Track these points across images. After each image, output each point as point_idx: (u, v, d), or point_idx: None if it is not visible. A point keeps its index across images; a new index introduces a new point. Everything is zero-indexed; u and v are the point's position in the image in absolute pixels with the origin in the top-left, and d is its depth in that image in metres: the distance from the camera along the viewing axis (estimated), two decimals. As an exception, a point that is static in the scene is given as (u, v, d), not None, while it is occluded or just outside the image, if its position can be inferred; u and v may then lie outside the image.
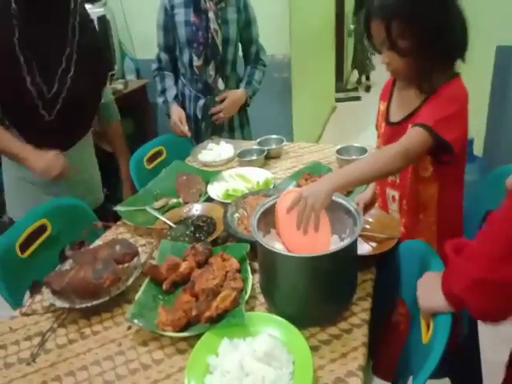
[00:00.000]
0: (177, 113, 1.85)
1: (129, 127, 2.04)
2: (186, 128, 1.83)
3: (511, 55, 2.35)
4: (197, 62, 1.83)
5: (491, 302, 0.70)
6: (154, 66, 1.94)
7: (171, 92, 1.90)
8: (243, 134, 2.05)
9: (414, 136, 0.98)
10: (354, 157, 1.57)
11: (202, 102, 1.90)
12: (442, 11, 0.98)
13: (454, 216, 1.18)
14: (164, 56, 1.90)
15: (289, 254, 0.92)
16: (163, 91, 1.91)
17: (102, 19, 2.79)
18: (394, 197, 1.20)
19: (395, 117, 1.14)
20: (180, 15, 1.80)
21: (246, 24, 1.90)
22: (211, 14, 1.78)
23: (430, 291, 0.80)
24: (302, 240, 0.93)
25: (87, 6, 2.84)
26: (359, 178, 0.98)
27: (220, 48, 1.83)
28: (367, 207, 1.27)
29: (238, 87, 1.96)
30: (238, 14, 1.86)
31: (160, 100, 1.92)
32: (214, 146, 1.82)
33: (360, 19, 4.03)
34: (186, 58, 1.85)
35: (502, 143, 1.86)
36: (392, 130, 1.13)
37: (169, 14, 1.82)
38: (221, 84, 1.91)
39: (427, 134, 0.96)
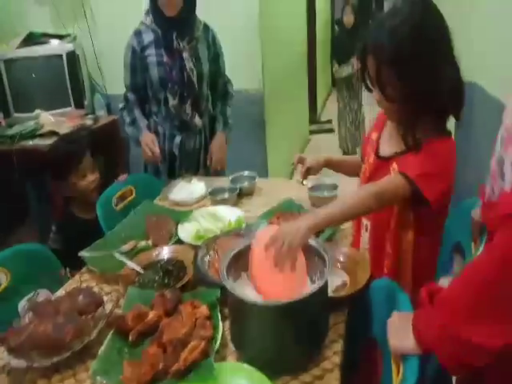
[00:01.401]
0: (149, 136, 1.85)
1: (99, 164, 2.02)
2: (157, 149, 1.82)
3: (471, 92, 2.45)
4: (172, 101, 1.85)
5: (454, 353, 0.70)
6: (121, 105, 1.94)
7: (142, 121, 1.89)
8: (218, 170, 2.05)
9: (393, 182, 1.02)
10: (325, 193, 1.58)
11: (178, 138, 1.91)
12: (429, 75, 0.99)
13: (430, 258, 1.19)
14: (131, 96, 1.90)
15: (258, 301, 0.90)
16: (133, 121, 1.90)
17: (71, 54, 2.80)
18: (366, 226, 1.21)
19: (384, 151, 1.16)
20: (151, 56, 1.81)
21: (215, 57, 1.94)
22: (185, 54, 1.81)
23: (399, 332, 0.81)
24: (277, 280, 0.92)
25: (55, 42, 2.89)
26: (337, 217, 1.01)
27: (196, 86, 1.86)
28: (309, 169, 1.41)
29: (212, 120, 2.00)
30: (208, 49, 1.90)
31: (129, 130, 1.91)
32: (185, 185, 1.79)
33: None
34: (159, 96, 1.86)
35: (467, 177, 1.93)
36: (380, 164, 1.15)
37: (138, 55, 1.82)
38: (197, 120, 1.93)
39: (408, 184, 0.99)
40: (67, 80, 2.83)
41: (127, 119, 1.90)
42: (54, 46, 2.88)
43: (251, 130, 2.96)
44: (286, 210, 1.48)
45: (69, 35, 3.00)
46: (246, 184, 1.78)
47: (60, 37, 2.97)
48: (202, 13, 2.74)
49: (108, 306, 1.09)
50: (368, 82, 1.08)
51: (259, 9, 2.79)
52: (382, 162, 1.13)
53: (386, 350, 0.87)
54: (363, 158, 1.26)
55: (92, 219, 1.63)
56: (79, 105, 2.88)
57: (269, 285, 0.93)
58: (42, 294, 1.14)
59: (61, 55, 2.79)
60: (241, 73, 2.86)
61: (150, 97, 1.90)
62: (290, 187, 1.77)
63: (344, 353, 0.94)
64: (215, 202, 1.66)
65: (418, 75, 0.98)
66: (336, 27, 5.08)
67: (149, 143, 1.82)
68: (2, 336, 0.95)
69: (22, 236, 2.91)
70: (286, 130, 3.93)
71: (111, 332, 0.99)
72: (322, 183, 1.62)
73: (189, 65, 1.82)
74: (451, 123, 2.49)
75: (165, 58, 1.81)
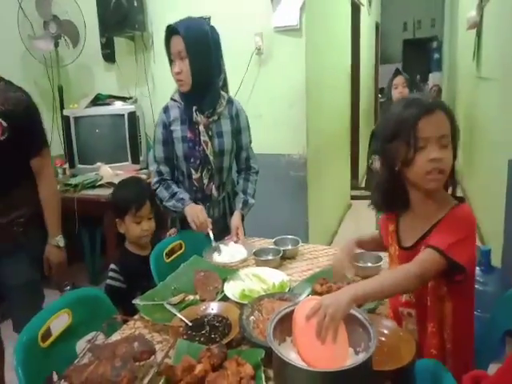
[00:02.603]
0: (195, 207, 1.82)
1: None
2: (207, 219, 1.80)
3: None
4: (195, 175, 1.89)
5: None
6: (154, 179, 1.90)
7: (183, 194, 1.87)
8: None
9: (428, 259, 1.04)
10: (369, 264, 1.61)
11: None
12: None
13: (468, 332, 1.20)
14: (164, 168, 1.90)
15: (303, 367, 0.91)
16: (172, 195, 1.86)
17: (132, 115, 3.07)
18: (410, 314, 1.23)
19: (407, 241, 1.21)
20: (177, 131, 1.86)
21: (237, 131, 1.96)
22: (201, 128, 1.84)
23: None
24: (318, 351, 0.94)
25: (119, 103, 3.17)
26: (378, 293, 1.03)
27: (211, 158, 1.87)
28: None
29: (233, 189, 2.05)
30: (231, 123, 1.93)
31: (170, 203, 1.85)
32: (224, 248, 1.81)
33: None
34: (183, 170, 1.91)
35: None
36: (406, 254, 1.18)
37: (168, 130, 1.88)
38: (214, 191, 1.94)
39: (441, 256, 1.02)
40: (127, 137, 3.09)
41: (165, 194, 1.86)
42: (118, 107, 3.19)
43: (294, 194, 3.07)
44: (330, 278, 1.51)
45: (131, 98, 3.32)
46: (289, 247, 1.85)
47: (123, 99, 3.29)
48: (252, 80, 3.00)
49: (159, 355, 1.16)
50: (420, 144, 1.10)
51: (305, 78, 2.97)
52: (409, 252, 1.17)
53: None
54: (389, 250, 1.29)
55: (147, 256, 1.72)
56: (135, 160, 3.12)
57: (311, 355, 0.95)
58: (100, 337, 1.23)
59: (123, 115, 3.08)
60: (286, 138, 3.05)
61: (176, 168, 1.95)
62: (333, 254, 1.83)
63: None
64: (259, 263, 1.74)
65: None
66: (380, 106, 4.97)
67: (199, 214, 1.78)
68: (66, 373, 1.03)
69: (73, 277, 3.07)
70: (328, 194, 4.01)
71: (161, 381, 1.05)
72: (366, 253, 1.64)
73: (203, 138, 1.85)
74: (501, 211, 2.51)
75: (188, 134, 1.86)
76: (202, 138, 1.86)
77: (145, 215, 1.72)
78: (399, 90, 3.18)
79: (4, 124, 1.64)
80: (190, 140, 1.86)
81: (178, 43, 1.72)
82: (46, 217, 1.80)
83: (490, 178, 3.33)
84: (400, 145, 1.10)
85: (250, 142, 2.04)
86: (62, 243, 1.85)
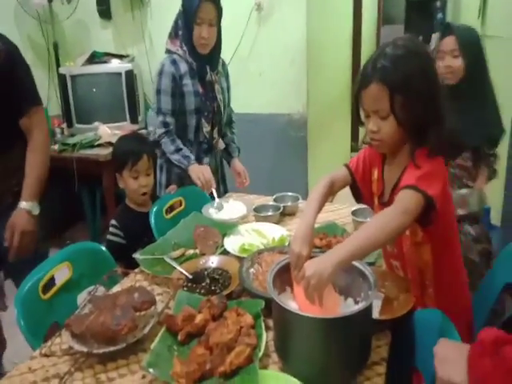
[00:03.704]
0: (200, 167, 1.89)
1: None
2: (212, 179, 1.86)
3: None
4: (206, 128, 2.03)
5: None
6: (160, 131, 1.93)
7: (188, 151, 1.93)
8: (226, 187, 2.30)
9: (403, 197, 1.00)
10: (369, 218, 1.61)
11: (206, 160, 2.06)
12: (435, 104, 1.06)
13: (452, 279, 1.21)
14: (171, 120, 1.94)
15: (304, 314, 0.93)
16: (177, 150, 1.92)
17: (129, 73, 3.00)
18: (396, 266, 1.25)
19: (385, 197, 1.20)
20: (188, 85, 1.94)
21: (228, 89, 2.15)
22: (217, 86, 2.02)
23: (450, 362, 0.77)
24: (313, 308, 0.96)
25: (116, 61, 3.10)
26: (365, 248, 0.96)
27: (222, 114, 2.08)
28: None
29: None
30: (226, 81, 2.12)
31: (175, 157, 1.91)
32: (224, 204, 1.82)
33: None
34: (191, 122, 2.00)
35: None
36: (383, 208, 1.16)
37: (178, 83, 1.92)
38: (221, 143, 2.16)
39: (413, 191, 0.99)
40: (124, 96, 3.03)
41: (171, 147, 1.92)
42: (115, 65, 3.10)
43: (294, 154, 3.05)
44: (329, 233, 1.52)
45: (128, 56, 3.23)
46: (289, 203, 1.84)
47: (120, 57, 3.20)
48: (251, 40, 2.93)
49: (159, 306, 1.17)
50: (362, 115, 1.13)
51: (307, 37, 2.89)
52: (386, 206, 1.13)
53: (429, 377, 0.87)
54: (375, 199, 1.27)
55: (147, 213, 1.72)
56: (134, 120, 3.07)
57: (305, 307, 0.97)
58: (100, 289, 1.24)
59: (120, 73, 3.01)
60: (286, 97, 2.99)
61: (181, 121, 2.00)
62: (332, 211, 1.83)
63: (386, 377, 0.95)
64: (259, 219, 1.74)
65: (425, 102, 1.04)
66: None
67: (205, 174, 1.84)
68: (67, 322, 1.04)
69: (75, 236, 3.10)
70: (328, 155, 3.98)
71: (162, 330, 1.07)
72: (367, 209, 1.63)
73: (219, 96, 2.04)
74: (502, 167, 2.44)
75: (200, 89, 1.97)
76: (217, 94, 2.03)
77: (142, 170, 1.70)
78: (447, 61, 1.76)
79: None
80: (202, 95, 1.97)
81: (211, 11, 1.86)
82: (25, 179, 1.56)
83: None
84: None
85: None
86: (35, 211, 1.57)
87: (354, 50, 5.31)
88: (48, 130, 1.71)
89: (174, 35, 1.96)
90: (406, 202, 0.99)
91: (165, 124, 1.93)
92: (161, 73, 1.93)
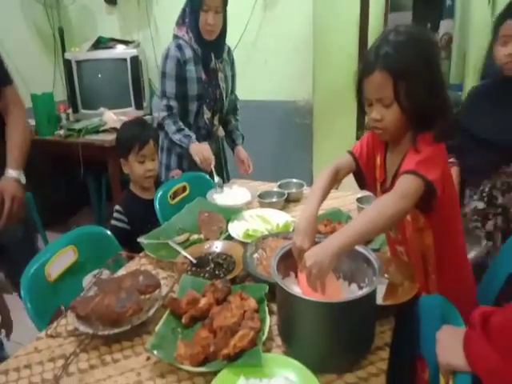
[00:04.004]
0: (200, 145, 1.93)
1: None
2: (211, 156, 1.90)
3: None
4: (207, 115, 2.05)
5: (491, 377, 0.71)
6: (163, 113, 1.97)
7: (189, 131, 1.97)
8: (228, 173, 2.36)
9: (403, 182, 1.00)
10: (372, 206, 1.60)
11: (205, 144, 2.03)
12: (437, 89, 1.05)
13: (454, 266, 1.20)
14: (174, 104, 1.97)
15: (308, 298, 0.93)
16: (179, 130, 1.96)
17: (134, 59, 2.99)
18: (401, 252, 1.24)
19: (387, 184, 1.20)
20: (192, 71, 1.96)
21: (233, 77, 2.16)
22: (220, 74, 2.02)
23: (449, 347, 0.80)
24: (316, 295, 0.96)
25: (121, 47, 3.09)
26: (364, 234, 0.96)
27: (225, 102, 2.09)
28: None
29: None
30: (231, 69, 2.13)
31: (177, 137, 1.95)
32: (228, 190, 1.83)
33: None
34: (193, 108, 2.02)
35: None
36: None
37: (182, 68, 1.95)
38: (221, 131, 2.18)
39: (413, 176, 0.98)
40: (129, 82, 3.02)
41: (173, 128, 1.96)
42: (120, 51, 3.09)
43: (299, 141, 3.04)
44: (334, 220, 1.52)
45: (133, 42, 3.21)
46: (294, 190, 1.84)
47: (125, 42, 3.19)
48: (257, 27, 2.90)
49: (163, 290, 1.18)
50: (366, 103, 1.12)
51: (313, 25, 2.87)
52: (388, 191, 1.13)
53: (434, 369, 0.87)
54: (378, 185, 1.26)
55: (151, 200, 1.73)
56: (139, 106, 3.06)
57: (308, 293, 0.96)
58: (105, 273, 1.25)
59: (125, 59, 2.99)
60: (292, 84, 2.97)
61: (184, 106, 2.02)
62: (337, 198, 1.82)
63: (390, 361, 0.96)
64: (263, 205, 1.74)
65: (429, 88, 1.03)
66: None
67: (204, 153, 1.88)
68: (73, 304, 1.05)
69: (80, 222, 3.11)
70: (333, 143, 3.96)
71: (167, 313, 1.08)
72: (370, 195, 1.64)
73: (222, 84, 2.05)
74: None
75: (203, 76, 1.98)
76: (220, 82, 2.04)
77: (148, 154, 1.71)
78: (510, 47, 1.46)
79: None
80: (205, 82, 1.99)
81: None
82: (9, 151, 1.55)
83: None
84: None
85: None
86: (22, 179, 1.57)
87: (361, 38, 5.24)
88: (24, 106, 1.68)
89: (181, 22, 1.98)
90: (406, 186, 0.99)
91: (168, 107, 1.97)
92: (166, 57, 1.95)
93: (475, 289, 1.27)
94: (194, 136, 1.95)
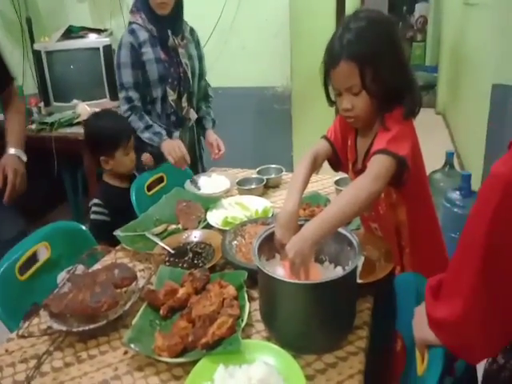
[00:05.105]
0: (172, 143, 1.81)
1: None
2: (186, 154, 1.80)
3: (506, 93, 2.43)
4: (172, 96, 1.91)
5: (452, 340, 0.74)
6: (125, 107, 1.86)
7: (158, 127, 1.86)
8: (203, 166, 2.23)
9: (375, 162, 1.01)
10: (351, 188, 1.60)
11: (177, 133, 1.96)
12: (402, 70, 1.07)
13: (427, 239, 1.22)
14: (134, 94, 1.85)
15: (289, 280, 0.92)
16: (147, 127, 1.84)
17: (107, 48, 2.90)
18: (376, 228, 1.26)
19: (358, 164, 1.21)
20: (148, 53, 1.84)
21: (200, 59, 2.04)
22: (181, 50, 1.90)
23: (422, 322, 0.81)
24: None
25: (93, 36, 3.00)
26: (341, 219, 0.97)
27: (191, 81, 1.95)
28: None
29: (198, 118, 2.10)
30: (196, 49, 2.01)
31: (146, 135, 1.83)
32: (207, 179, 1.79)
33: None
34: (157, 93, 1.90)
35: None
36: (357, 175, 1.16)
37: (137, 52, 1.83)
38: (192, 113, 2.02)
39: (385, 156, 1.00)
40: (103, 72, 2.92)
41: (140, 124, 1.84)
42: (92, 40, 2.99)
43: (278, 128, 3.01)
44: (313, 203, 1.51)
45: (106, 30, 3.11)
46: (272, 176, 1.82)
47: (98, 31, 3.09)
48: (233, 13, 2.84)
49: (141, 282, 1.15)
50: (333, 93, 1.13)
51: (289, 9, 2.82)
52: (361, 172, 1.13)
53: (411, 344, 0.88)
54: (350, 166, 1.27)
55: (127, 188, 1.70)
56: (114, 97, 2.96)
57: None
58: (80, 268, 1.21)
59: (98, 48, 2.89)
60: (270, 70, 2.94)
61: (146, 94, 1.91)
62: (316, 181, 1.81)
63: (369, 339, 0.96)
64: (242, 192, 1.71)
65: (395, 69, 1.05)
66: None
67: (176, 150, 1.76)
68: (45, 302, 1.02)
69: (57, 218, 3.04)
70: (313, 129, 3.95)
71: (144, 305, 1.05)
72: (348, 177, 1.63)
73: (184, 60, 1.91)
74: (482, 136, 2.46)
75: (162, 55, 1.86)
76: (182, 59, 1.90)
77: (132, 144, 1.68)
78: None
79: None
80: (164, 61, 1.87)
81: None
82: (9, 133, 1.60)
83: (474, 106, 3.27)
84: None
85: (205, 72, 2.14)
86: (23, 157, 1.60)
87: (338, 21, 5.23)
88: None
89: (134, 10, 1.88)
90: (378, 167, 1.00)
91: (128, 99, 1.85)
92: (119, 46, 1.85)
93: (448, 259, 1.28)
94: (164, 132, 1.83)
